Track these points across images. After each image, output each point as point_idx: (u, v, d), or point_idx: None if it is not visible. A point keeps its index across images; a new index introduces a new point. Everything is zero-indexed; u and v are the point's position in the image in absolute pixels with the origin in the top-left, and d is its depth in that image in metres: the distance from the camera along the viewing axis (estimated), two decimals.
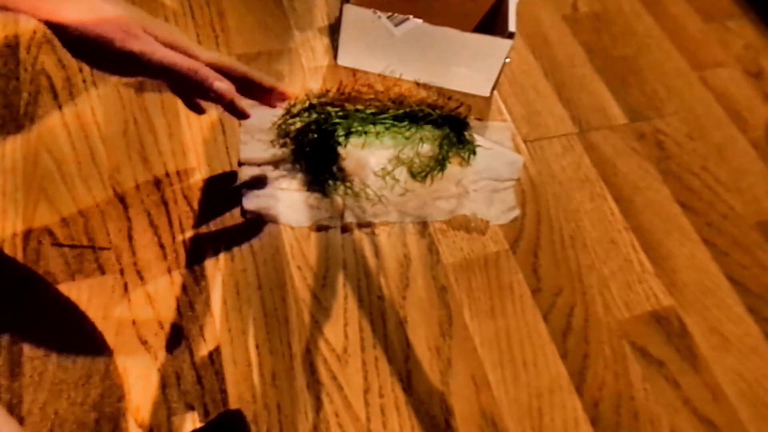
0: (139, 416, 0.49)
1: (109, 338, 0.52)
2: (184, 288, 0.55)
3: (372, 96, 0.69)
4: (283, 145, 0.66)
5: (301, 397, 0.52)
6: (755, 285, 0.67)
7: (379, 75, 0.75)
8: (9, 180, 0.59)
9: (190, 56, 0.45)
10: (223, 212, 0.61)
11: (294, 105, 0.67)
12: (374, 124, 0.67)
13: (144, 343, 0.52)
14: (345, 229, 0.62)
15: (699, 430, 0.56)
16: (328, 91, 0.69)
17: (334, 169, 0.64)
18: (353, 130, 0.66)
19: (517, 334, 0.59)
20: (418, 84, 0.76)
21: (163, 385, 0.50)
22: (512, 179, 0.69)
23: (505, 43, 0.69)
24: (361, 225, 0.63)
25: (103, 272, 0.55)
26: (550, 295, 0.62)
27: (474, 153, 0.69)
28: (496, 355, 0.57)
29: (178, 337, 0.53)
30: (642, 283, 0.65)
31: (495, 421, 0.54)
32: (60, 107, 0.64)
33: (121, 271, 0.55)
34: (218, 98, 0.47)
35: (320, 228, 0.62)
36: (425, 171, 0.66)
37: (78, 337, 0.51)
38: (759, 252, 0.70)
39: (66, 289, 0.53)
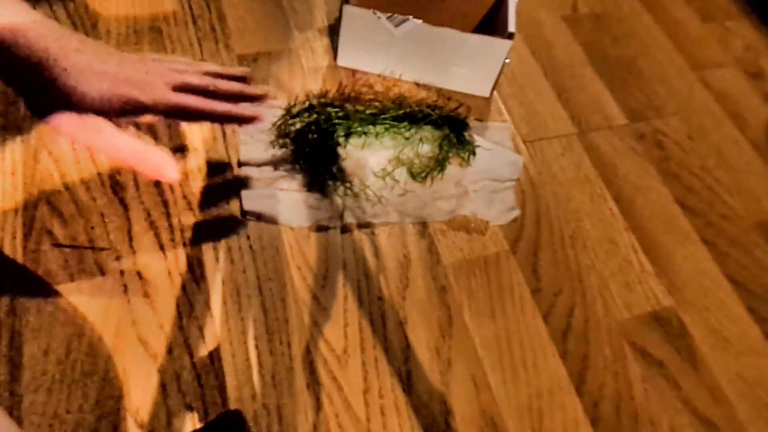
0: (139, 416, 0.49)
1: (109, 338, 0.52)
2: (184, 288, 0.55)
3: (372, 96, 0.69)
4: (283, 145, 0.66)
5: (301, 397, 0.52)
6: (755, 285, 0.67)
7: (378, 75, 0.75)
8: (9, 180, 0.59)
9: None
10: (222, 212, 0.61)
11: (294, 105, 0.67)
12: (374, 124, 0.67)
13: (144, 343, 0.52)
14: (345, 229, 0.62)
15: (699, 430, 0.56)
16: (327, 91, 0.69)
17: (334, 169, 0.64)
18: (353, 130, 0.66)
19: (517, 335, 0.59)
20: (417, 84, 0.76)
21: (163, 386, 0.50)
22: (512, 179, 0.69)
23: (505, 44, 0.69)
24: (361, 225, 0.63)
25: (103, 272, 0.55)
26: (550, 295, 0.62)
27: (474, 153, 0.69)
28: (496, 356, 0.57)
29: (178, 337, 0.53)
30: (642, 283, 0.65)
31: (495, 422, 0.54)
32: None
33: (121, 272, 0.55)
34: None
35: (320, 228, 0.62)
36: (425, 171, 0.66)
37: (78, 337, 0.51)
38: (759, 252, 0.70)
39: (66, 289, 0.53)
